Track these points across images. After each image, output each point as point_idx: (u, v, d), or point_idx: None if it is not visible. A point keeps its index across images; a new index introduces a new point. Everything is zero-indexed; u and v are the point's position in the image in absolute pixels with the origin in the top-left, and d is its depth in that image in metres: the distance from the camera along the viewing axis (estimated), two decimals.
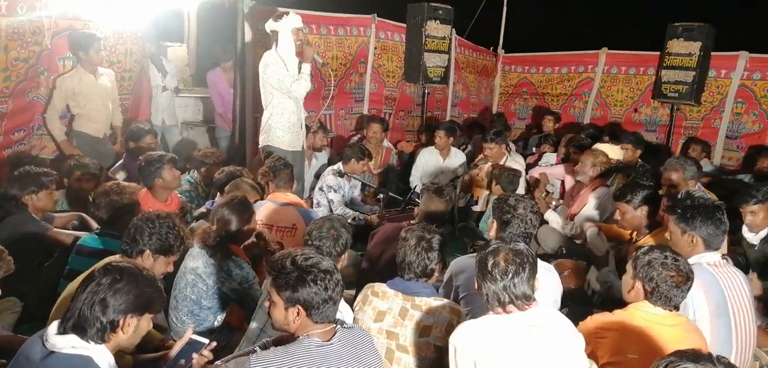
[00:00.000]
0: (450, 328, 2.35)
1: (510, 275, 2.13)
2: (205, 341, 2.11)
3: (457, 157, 6.24)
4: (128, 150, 5.03)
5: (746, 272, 3.87)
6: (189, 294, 3.05)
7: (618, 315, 2.46)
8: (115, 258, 2.06)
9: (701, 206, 2.84)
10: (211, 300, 3.06)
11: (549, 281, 2.80)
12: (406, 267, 2.61)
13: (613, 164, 4.92)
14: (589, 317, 2.57)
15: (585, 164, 4.80)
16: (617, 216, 3.83)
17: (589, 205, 4.66)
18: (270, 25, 4.73)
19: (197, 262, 3.06)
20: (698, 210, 2.82)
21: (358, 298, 2.71)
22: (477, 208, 5.40)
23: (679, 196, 3.04)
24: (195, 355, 2.20)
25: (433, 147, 6.23)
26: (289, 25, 4.65)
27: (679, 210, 2.88)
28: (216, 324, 3.10)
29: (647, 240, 3.48)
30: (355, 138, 6.63)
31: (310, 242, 2.73)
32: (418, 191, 5.33)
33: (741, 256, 4.16)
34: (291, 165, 4.21)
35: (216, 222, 3.15)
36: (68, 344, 1.88)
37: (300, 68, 4.75)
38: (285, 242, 3.73)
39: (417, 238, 2.63)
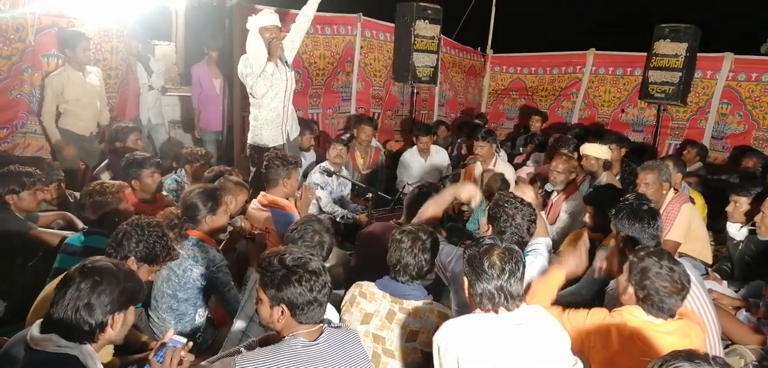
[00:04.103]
0: None
1: (506, 274, 2.09)
2: (184, 340, 2.08)
3: (438, 155, 6.29)
4: (113, 150, 4.97)
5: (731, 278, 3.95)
6: (165, 289, 3.02)
7: (613, 318, 2.42)
8: (92, 258, 2.00)
9: (632, 209, 3.00)
10: (185, 290, 3.01)
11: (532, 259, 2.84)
12: (402, 270, 2.55)
13: (584, 169, 4.90)
14: (586, 314, 2.52)
15: (556, 169, 4.72)
16: (586, 219, 3.84)
17: (562, 217, 4.60)
18: (248, 23, 4.75)
19: None
20: (626, 211, 3.01)
21: (346, 298, 2.67)
22: (465, 209, 5.40)
23: (626, 197, 3.21)
24: (169, 346, 2.12)
25: (414, 148, 6.25)
26: (256, 23, 4.65)
27: (615, 208, 3.11)
28: (198, 318, 3.07)
29: (609, 240, 3.46)
30: (345, 137, 6.62)
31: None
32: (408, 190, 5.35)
33: (726, 260, 4.20)
34: (278, 163, 4.00)
35: (182, 208, 3.17)
36: (53, 343, 1.86)
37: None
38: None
39: (412, 240, 2.56)
